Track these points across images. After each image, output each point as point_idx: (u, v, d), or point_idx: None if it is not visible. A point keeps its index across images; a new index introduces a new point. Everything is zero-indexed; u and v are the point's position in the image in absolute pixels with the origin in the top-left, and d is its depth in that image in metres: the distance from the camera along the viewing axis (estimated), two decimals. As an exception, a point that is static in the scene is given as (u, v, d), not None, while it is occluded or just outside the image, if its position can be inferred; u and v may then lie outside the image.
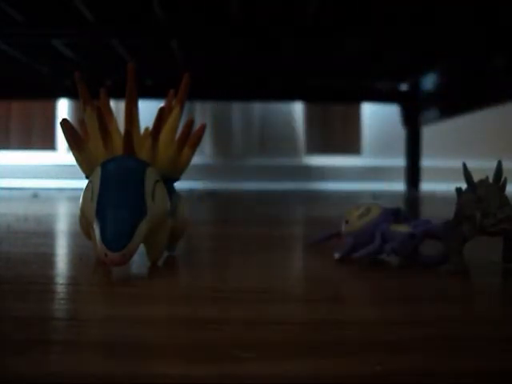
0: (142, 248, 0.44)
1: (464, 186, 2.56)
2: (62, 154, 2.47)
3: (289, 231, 0.58)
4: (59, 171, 2.45)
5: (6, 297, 0.26)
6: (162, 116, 0.35)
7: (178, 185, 2.50)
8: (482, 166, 2.50)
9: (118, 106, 2.46)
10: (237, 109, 2.44)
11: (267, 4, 1.09)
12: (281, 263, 0.37)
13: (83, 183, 2.44)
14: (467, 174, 0.34)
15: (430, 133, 2.54)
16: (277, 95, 1.82)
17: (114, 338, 0.20)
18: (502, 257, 0.35)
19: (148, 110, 2.45)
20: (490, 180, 2.18)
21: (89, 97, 0.37)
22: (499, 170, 0.33)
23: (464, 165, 0.34)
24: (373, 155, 2.51)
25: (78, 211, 0.89)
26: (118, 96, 1.76)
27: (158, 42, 1.30)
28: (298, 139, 2.48)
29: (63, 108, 2.47)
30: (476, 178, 2.57)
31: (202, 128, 0.40)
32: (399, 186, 2.49)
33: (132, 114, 0.37)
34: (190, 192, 1.89)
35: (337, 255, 0.38)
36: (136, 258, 0.39)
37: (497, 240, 0.50)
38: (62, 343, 0.19)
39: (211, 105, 2.45)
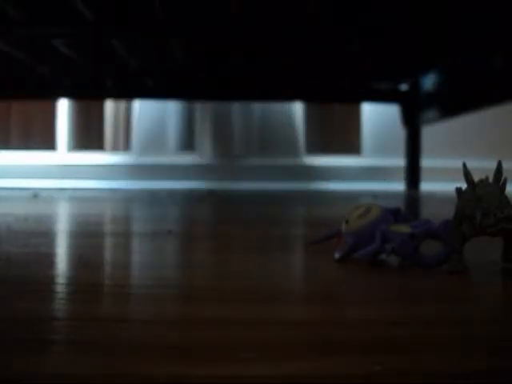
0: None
1: (464, 185, 2.56)
2: (62, 154, 2.47)
3: (289, 231, 0.58)
4: (59, 171, 2.45)
5: (6, 297, 0.26)
6: None
7: (180, 184, 2.50)
8: (482, 166, 2.50)
9: (118, 106, 2.46)
10: (237, 109, 2.44)
11: (268, 4, 1.09)
12: (281, 263, 0.37)
13: (83, 183, 2.44)
14: (467, 174, 0.34)
15: (430, 133, 2.54)
16: (277, 95, 1.82)
17: (114, 337, 0.20)
18: (501, 257, 0.35)
19: (148, 109, 2.45)
20: (490, 180, 2.18)
21: None
22: (499, 170, 0.33)
23: (464, 164, 0.34)
24: (373, 155, 2.51)
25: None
26: (117, 96, 1.76)
27: (157, 41, 1.30)
28: (298, 139, 2.48)
29: (63, 108, 2.47)
30: (476, 178, 2.57)
31: None
32: (399, 186, 2.49)
33: None
34: (190, 192, 1.89)
35: (337, 255, 0.38)
36: (141, 258, 0.39)
37: (497, 240, 0.50)
38: (62, 343, 0.19)
39: (211, 105, 2.45)
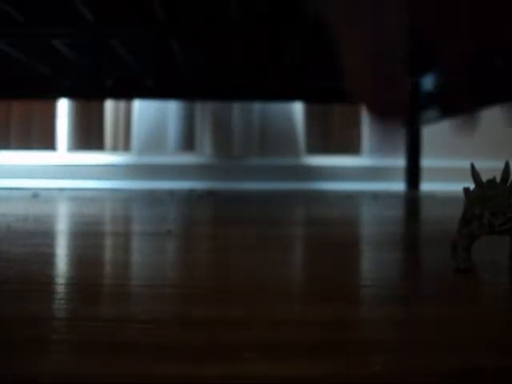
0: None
1: (466, 185, 2.56)
2: (62, 153, 2.47)
3: (289, 231, 0.58)
4: (59, 171, 2.45)
5: (6, 297, 0.26)
6: None
7: (180, 184, 2.49)
8: (482, 166, 2.50)
9: (117, 106, 2.46)
10: (237, 109, 2.44)
11: (268, 4, 1.09)
12: (281, 263, 0.37)
13: (83, 183, 2.44)
14: (475, 174, 0.34)
15: (430, 133, 2.54)
16: (277, 95, 1.82)
17: (114, 338, 0.20)
18: (509, 256, 0.35)
19: (148, 109, 2.45)
20: (497, 180, 2.17)
21: None
22: (507, 170, 0.33)
23: (472, 165, 0.35)
24: (373, 155, 2.51)
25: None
26: (117, 96, 1.76)
27: (157, 41, 1.30)
28: (298, 139, 2.48)
29: (63, 108, 2.47)
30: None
31: None
32: (399, 185, 2.49)
33: None
34: (190, 192, 1.89)
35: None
36: (141, 258, 0.39)
37: (505, 238, 0.50)
38: (62, 343, 0.19)
39: (211, 105, 2.45)
